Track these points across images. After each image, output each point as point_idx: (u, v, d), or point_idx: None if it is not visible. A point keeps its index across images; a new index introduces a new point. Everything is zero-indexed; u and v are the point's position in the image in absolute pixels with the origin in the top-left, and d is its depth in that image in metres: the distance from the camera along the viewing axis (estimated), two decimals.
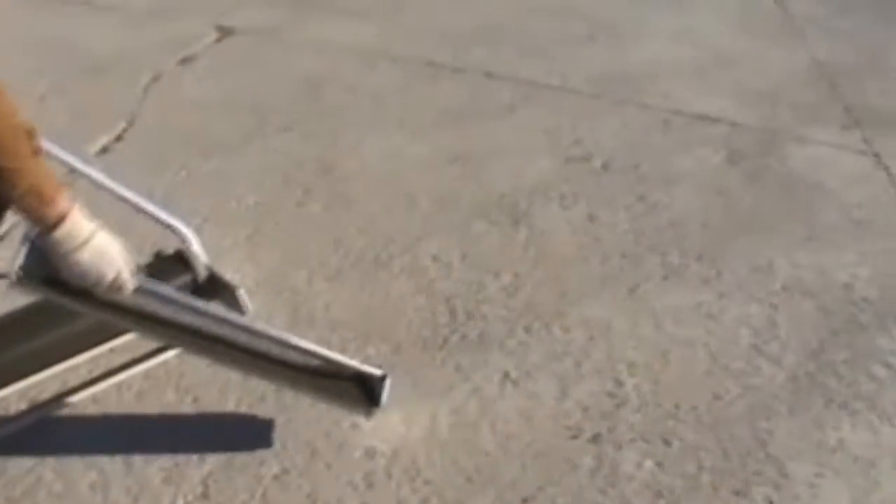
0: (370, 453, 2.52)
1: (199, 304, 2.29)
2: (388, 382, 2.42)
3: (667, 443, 2.59)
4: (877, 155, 4.10)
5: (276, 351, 2.35)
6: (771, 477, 2.50)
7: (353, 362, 2.44)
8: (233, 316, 2.36)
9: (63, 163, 2.73)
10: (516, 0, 5.70)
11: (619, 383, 2.77)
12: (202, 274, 2.75)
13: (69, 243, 1.90)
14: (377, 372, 2.43)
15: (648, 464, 2.53)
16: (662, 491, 2.45)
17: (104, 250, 1.96)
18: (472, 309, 3.03)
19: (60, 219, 1.87)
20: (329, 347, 2.72)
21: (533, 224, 3.45)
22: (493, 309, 3.04)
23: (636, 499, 2.43)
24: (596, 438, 2.60)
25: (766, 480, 2.49)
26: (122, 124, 4.01)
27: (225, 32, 5.03)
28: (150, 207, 2.80)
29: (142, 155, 3.80)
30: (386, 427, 2.58)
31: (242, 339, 2.32)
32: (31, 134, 1.89)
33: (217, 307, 2.38)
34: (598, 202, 3.59)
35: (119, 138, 3.93)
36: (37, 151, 1.90)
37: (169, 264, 2.82)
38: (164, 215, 2.84)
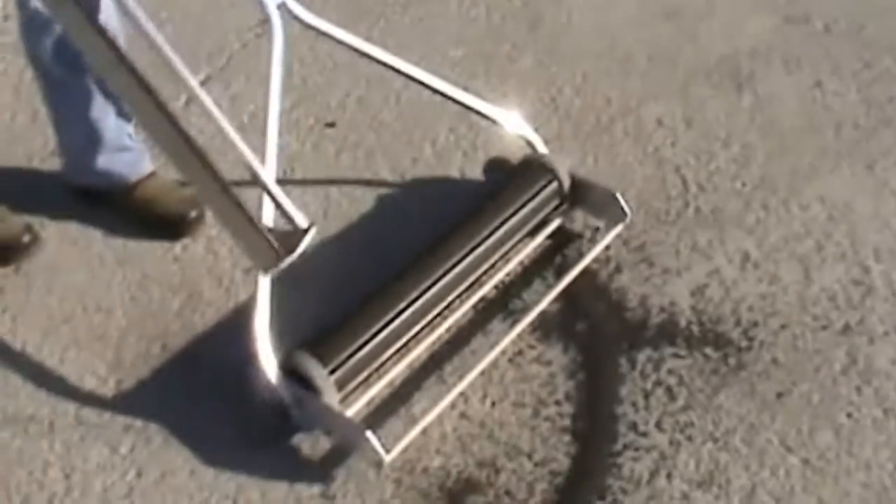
0: None
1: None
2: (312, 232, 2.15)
3: None
4: None
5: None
6: None
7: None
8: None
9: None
10: None
11: (865, 269, 2.58)
12: (566, 180, 2.54)
13: None
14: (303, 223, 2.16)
15: None
16: None
17: None
18: (703, 181, 2.85)
19: None
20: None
21: (757, 89, 3.21)
22: (726, 181, 2.85)
23: None
24: (846, 330, 2.42)
25: None
26: None
27: None
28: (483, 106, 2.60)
29: (335, 4, 3.60)
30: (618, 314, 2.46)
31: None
32: None
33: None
34: (824, 67, 3.34)
35: None
36: None
37: (528, 171, 2.63)
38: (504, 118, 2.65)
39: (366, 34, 3.30)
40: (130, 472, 2.22)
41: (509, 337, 2.38)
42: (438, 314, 2.39)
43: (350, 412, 2.19)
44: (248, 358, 2.19)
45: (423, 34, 3.48)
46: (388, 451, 2.09)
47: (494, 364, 2.35)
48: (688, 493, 2.10)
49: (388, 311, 2.27)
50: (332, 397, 2.13)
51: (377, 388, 2.28)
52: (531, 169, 2.61)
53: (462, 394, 2.29)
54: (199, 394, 2.37)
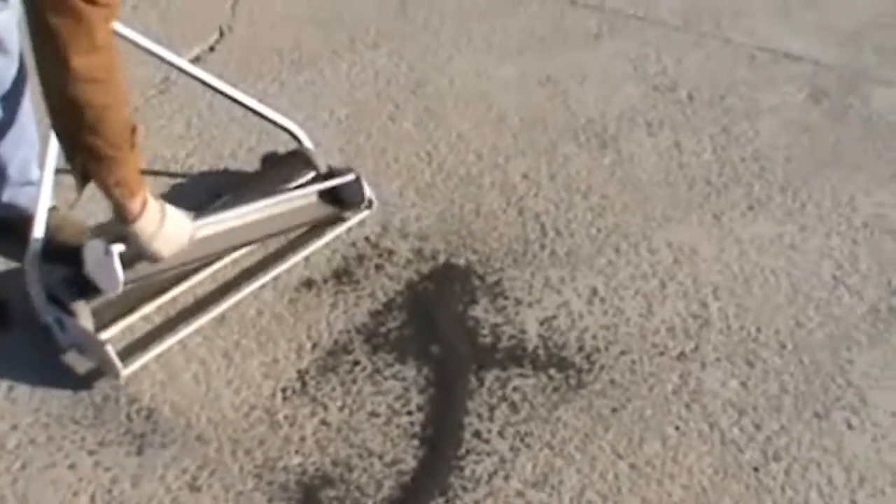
0: None
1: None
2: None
3: (750, 364, 2.65)
4: None
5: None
6: (851, 403, 2.56)
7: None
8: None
9: (167, 62, 2.83)
10: None
11: (704, 305, 2.83)
12: (322, 168, 2.86)
13: (143, 234, 2.27)
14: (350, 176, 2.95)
15: (733, 383, 2.60)
16: (746, 409, 2.52)
17: (170, 238, 2.34)
18: (560, 227, 3.09)
19: (138, 215, 2.22)
20: (419, 257, 2.87)
21: (620, 149, 3.48)
22: (582, 228, 3.10)
23: (721, 415, 2.49)
24: (681, 356, 2.66)
25: (846, 406, 2.55)
26: (215, 35, 4.08)
27: None
28: (261, 108, 2.91)
29: (235, 66, 3.88)
30: (471, 339, 2.71)
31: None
32: (134, 129, 2.15)
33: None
34: (684, 131, 3.62)
35: (212, 49, 4.00)
36: (134, 145, 2.17)
37: (290, 162, 2.99)
38: (275, 115, 2.95)
39: (262, 92, 3.57)
40: None
41: (252, 287, 2.77)
42: (198, 268, 2.73)
43: (103, 336, 2.47)
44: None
45: (314, 94, 3.73)
46: (125, 367, 2.41)
47: (353, 379, 2.57)
48: (523, 491, 2.32)
49: None
50: (86, 320, 2.42)
51: (132, 320, 2.59)
52: (292, 159, 3.03)
53: (322, 403, 2.51)
54: None
